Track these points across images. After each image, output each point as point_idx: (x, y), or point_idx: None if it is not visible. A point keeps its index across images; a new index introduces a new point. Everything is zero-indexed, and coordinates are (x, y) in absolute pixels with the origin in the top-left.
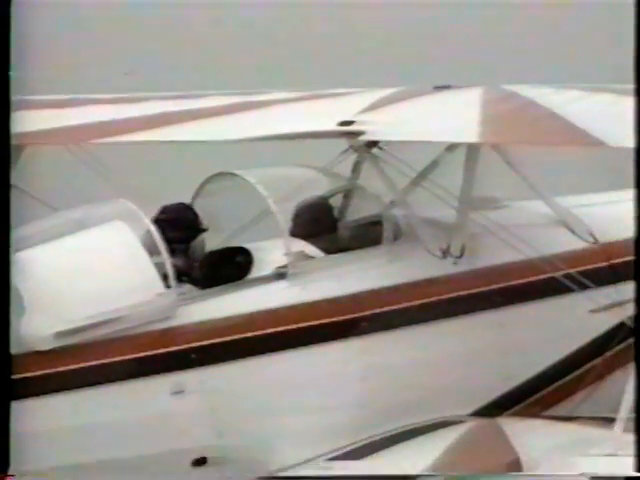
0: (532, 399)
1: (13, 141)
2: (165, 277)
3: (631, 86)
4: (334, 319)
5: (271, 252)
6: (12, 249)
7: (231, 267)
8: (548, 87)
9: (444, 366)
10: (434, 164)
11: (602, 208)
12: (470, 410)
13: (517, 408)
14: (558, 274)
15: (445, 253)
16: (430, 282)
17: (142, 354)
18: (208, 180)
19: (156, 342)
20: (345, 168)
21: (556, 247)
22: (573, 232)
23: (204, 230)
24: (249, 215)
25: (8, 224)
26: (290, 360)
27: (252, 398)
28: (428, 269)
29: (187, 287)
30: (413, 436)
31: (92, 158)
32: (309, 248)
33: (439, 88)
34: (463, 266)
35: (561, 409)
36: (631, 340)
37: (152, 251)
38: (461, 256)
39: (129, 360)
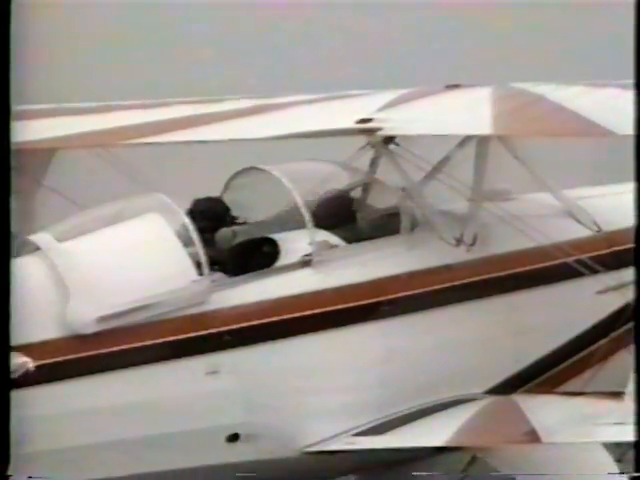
0: (543, 377)
1: (45, 145)
2: (198, 265)
3: (631, 81)
4: (356, 304)
5: (297, 242)
6: (12, 248)
7: (259, 256)
8: (554, 84)
9: (460, 347)
10: (446, 159)
11: (604, 199)
12: (485, 388)
13: (529, 386)
14: (566, 260)
15: (459, 241)
16: (445, 268)
17: (178, 337)
18: (236, 175)
19: (191, 326)
20: (363, 163)
21: (563, 235)
22: (578, 221)
23: (234, 222)
24: (275, 207)
25: (8, 226)
26: (316, 342)
27: (281, 378)
28: (443, 256)
29: (218, 275)
30: (433, 412)
31: (119, 160)
32: (332, 238)
33: (450, 87)
34: (476, 253)
35: (570, 386)
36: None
37: (186, 241)
38: (474, 244)
39: (166, 342)
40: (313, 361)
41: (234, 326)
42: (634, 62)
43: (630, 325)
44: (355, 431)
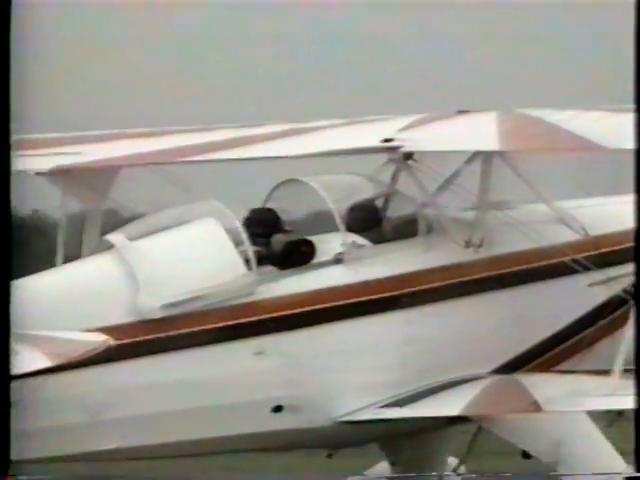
0: (540, 360)
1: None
2: (248, 262)
3: (619, 105)
4: (381, 295)
5: (330, 242)
6: (11, 246)
7: (299, 255)
8: (549, 109)
9: (468, 334)
10: (456, 173)
11: (591, 209)
12: (490, 369)
13: (528, 367)
14: (561, 259)
15: (468, 243)
16: (457, 266)
17: (229, 323)
18: (278, 186)
19: (240, 313)
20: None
21: (556, 239)
22: (569, 227)
23: (284, 227)
24: (312, 213)
25: (9, 227)
26: (347, 328)
27: (317, 358)
28: (455, 256)
29: (269, 269)
30: (446, 388)
31: (172, 176)
32: (360, 239)
33: (461, 112)
34: (482, 254)
35: (564, 367)
36: (621, 311)
37: (238, 242)
38: (481, 246)
39: (219, 327)
40: (344, 344)
41: (277, 314)
42: (634, 62)
43: (614, 315)
44: (380, 404)
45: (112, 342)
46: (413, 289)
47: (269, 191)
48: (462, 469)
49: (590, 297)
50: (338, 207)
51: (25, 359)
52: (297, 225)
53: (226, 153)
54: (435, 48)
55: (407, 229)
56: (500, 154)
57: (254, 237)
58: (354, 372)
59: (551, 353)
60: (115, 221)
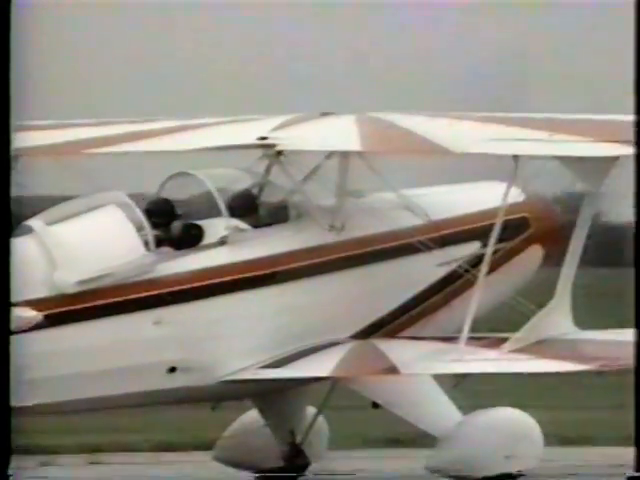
0: (390, 326)
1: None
2: (147, 244)
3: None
4: (259, 272)
5: (216, 227)
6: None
7: (189, 237)
8: (398, 113)
9: (332, 305)
10: (317, 167)
11: (432, 197)
12: (349, 334)
13: (380, 332)
14: (407, 241)
15: (331, 227)
16: (322, 247)
17: (132, 296)
18: (169, 178)
19: (142, 288)
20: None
21: (403, 223)
22: (414, 213)
23: (178, 215)
24: (200, 202)
25: (9, 227)
26: (230, 301)
27: (206, 327)
28: (320, 238)
29: (167, 250)
30: (314, 352)
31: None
32: (241, 224)
33: (324, 114)
34: (343, 236)
35: (410, 332)
36: (456, 284)
37: (139, 227)
38: (342, 229)
39: (124, 300)
40: (228, 314)
41: (173, 288)
42: (634, 63)
43: (451, 288)
44: (258, 365)
45: (40, 316)
46: (286, 267)
47: (162, 182)
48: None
49: (431, 273)
50: (222, 196)
51: None
52: (187, 212)
53: (123, 146)
54: None
55: (280, 215)
56: (357, 152)
57: (154, 223)
58: (237, 338)
59: (399, 321)
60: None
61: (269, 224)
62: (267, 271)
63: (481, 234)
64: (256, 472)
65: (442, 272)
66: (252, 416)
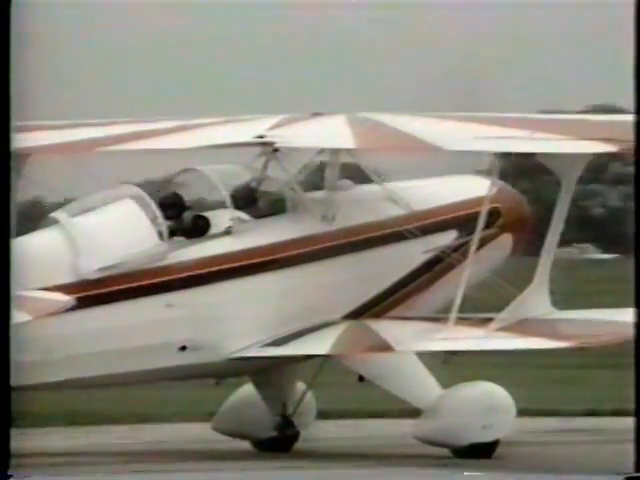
0: (378, 307)
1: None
2: (161, 234)
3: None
4: (261, 259)
5: (221, 218)
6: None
7: (198, 227)
8: (386, 113)
9: (326, 288)
10: (308, 164)
11: (415, 189)
12: (342, 315)
13: (369, 313)
14: (392, 229)
15: (324, 218)
16: (316, 236)
17: (147, 282)
18: (177, 173)
19: (155, 274)
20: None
21: (388, 213)
22: (397, 204)
23: (187, 208)
24: (206, 194)
25: (8, 228)
26: (235, 285)
27: (214, 309)
28: (314, 228)
29: (180, 239)
30: (311, 332)
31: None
32: (243, 215)
33: (315, 114)
34: (335, 226)
35: (396, 312)
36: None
37: (154, 218)
38: (333, 219)
39: (139, 285)
40: (233, 297)
41: (183, 274)
42: (634, 63)
43: (432, 272)
44: (261, 344)
45: (74, 300)
46: (284, 254)
47: (171, 177)
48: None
49: (414, 258)
50: (225, 189)
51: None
52: (194, 204)
53: (133, 144)
54: None
55: (278, 207)
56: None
57: (166, 215)
58: (240, 319)
59: (386, 302)
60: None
61: (268, 215)
62: (267, 258)
63: (457, 223)
64: (251, 441)
65: (424, 258)
66: (248, 390)
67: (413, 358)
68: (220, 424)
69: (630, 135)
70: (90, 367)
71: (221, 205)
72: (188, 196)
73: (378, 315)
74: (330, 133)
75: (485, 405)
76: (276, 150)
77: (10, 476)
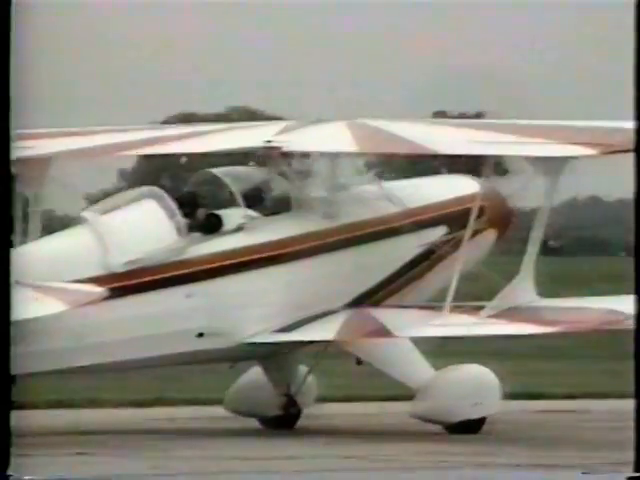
0: (377, 296)
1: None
2: (180, 230)
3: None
4: (270, 253)
5: (234, 216)
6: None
7: (213, 224)
8: (383, 120)
9: (329, 279)
10: (311, 165)
11: (407, 189)
12: (343, 304)
13: (368, 301)
14: (389, 225)
15: (326, 215)
16: (319, 232)
17: (168, 274)
18: (194, 175)
19: (176, 267)
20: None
21: (384, 210)
22: (392, 202)
23: (203, 206)
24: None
25: (9, 229)
26: (247, 277)
27: (228, 298)
28: (318, 224)
29: (197, 235)
30: (317, 318)
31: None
32: (253, 213)
33: (317, 121)
34: (336, 222)
35: (393, 300)
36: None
37: (173, 216)
38: (335, 217)
39: (161, 277)
40: (246, 288)
41: (201, 267)
42: (634, 63)
43: (424, 264)
44: (271, 330)
45: (107, 292)
46: (290, 249)
47: (189, 179)
48: (310, 376)
49: (409, 251)
50: (237, 190)
51: (46, 304)
52: (209, 202)
53: (146, 149)
54: None
55: (284, 205)
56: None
57: (184, 213)
58: (252, 308)
59: (384, 291)
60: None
61: (275, 213)
62: (275, 252)
63: (446, 219)
64: (258, 419)
65: (417, 251)
66: (255, 373)
67: (409, 343)
68: (230, 404)
69: (609, 139)
70: (117, 352)
71: (233, 204)
72: (203, 195)
73: (377, 303)
74: (332, 138)
75: (474, 385)
76: (283, 154)
77: (10, 476)
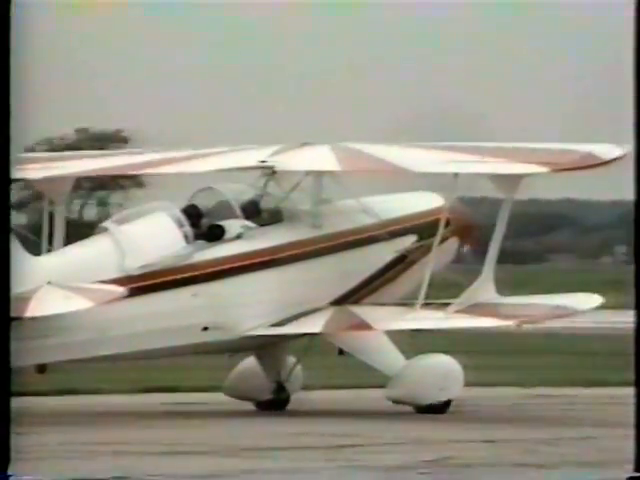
0: (355, 296)
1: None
2: (187, 238)
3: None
4: (264, 258)
5: (233, 226)
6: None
7: (215, 233)
8: (365, 143)
9: (315, 282)
10: (298, 182)
11: (382, 203)
12: (327, 302)
13: (348, 301)
14: (366, 234)
15: (313, 225)
16: (307, 240)
17: (177, 277)
18: (197, 191)
19: (183, 270)
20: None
21: (362, 222)
22: (368, 214)
23: (206, 218)
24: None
25: (9, 229)
26: (245, 279)
27: (230, 297)
28: (305, 234)
29: (201, 242)
30: (305, 315)
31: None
32: (250, 224)
33: (305, 144)
34: (321, 232)
35: (371, 300)
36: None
37: (181, 225)
38: (320, 227)
39: (171, 279)
40: (244, 289)
41: (205, 271)
42: (634, 63)
43: (396, 268)
44: (267, 325)
45: (125, 292)
46: (282, 255)
47: (192, 194)
48: (297, 367)
49: (384, 257)
50: (236, 203)
51: (75, 301)
52: (211, 215)
53: (155, 169)
54: None
55: (276, 217)
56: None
57: (191, 223)
58: (250, 305)
59: (363, 291)
60: None
61: (269, 224)
62: (269, 258)
63: (416, 229)
64: (253, 403)
65: (392, 256)
66: (250, 362)
67: (384, 335)
68: (229, 389)
69: (559, 159)
70: (135, 343)
71: (233, 216)
72: (206, 208)
73: (357, 302)
74: (318, 159)
75: (441, 372)
76: (275, 172)
77: (10, 476)
